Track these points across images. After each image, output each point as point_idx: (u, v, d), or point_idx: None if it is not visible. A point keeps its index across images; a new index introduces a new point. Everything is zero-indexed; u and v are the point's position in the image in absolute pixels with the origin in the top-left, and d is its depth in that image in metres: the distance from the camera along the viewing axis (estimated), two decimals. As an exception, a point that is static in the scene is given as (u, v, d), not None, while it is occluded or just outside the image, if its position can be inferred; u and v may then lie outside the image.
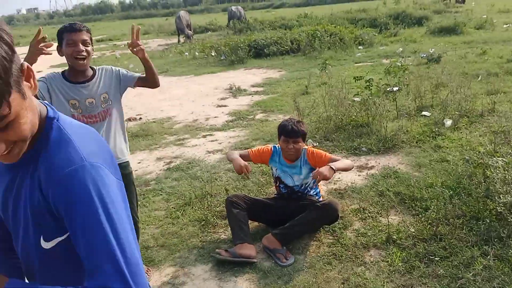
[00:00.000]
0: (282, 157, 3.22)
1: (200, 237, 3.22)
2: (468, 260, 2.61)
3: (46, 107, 1.01)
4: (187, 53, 14.08)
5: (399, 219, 3.19)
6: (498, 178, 3.06)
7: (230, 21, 21.11)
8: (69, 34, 2.34)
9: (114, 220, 0.91)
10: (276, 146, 3.30)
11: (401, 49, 10.61)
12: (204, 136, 5.69)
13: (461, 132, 4.81)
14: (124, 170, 2.49)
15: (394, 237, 2.94)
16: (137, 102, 7.96)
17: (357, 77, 5.57)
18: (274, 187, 3.48)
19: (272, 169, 3.34)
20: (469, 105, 5.38)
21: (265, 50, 12.57)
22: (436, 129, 4.87)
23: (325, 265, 2.77)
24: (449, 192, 3.29)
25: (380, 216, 3.29)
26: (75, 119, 1.78)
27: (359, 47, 12.48)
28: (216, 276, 2.77)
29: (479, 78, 7.02)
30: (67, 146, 0.95)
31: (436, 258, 2.68)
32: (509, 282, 2.40)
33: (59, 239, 0.99)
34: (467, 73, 7.41)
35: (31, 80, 0.90)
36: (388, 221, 3.09)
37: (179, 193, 3.97)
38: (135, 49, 2.46)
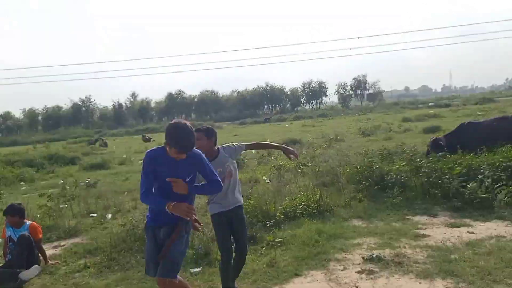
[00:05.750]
0: (11, 227, 5.34)
1: None
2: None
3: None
4: None
5: (93, 260, 5.62)
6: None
7: None
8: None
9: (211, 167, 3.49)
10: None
11: (62, 180, 13.05)
12: None
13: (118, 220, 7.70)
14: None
15: (88, 263, 5.39)
16: None
17: (42, 194, 7.76)
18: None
19: (7, 233, 5.33)
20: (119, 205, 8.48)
21: None
22: (101, 220, 7.61)
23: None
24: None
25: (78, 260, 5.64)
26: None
27: (22, 183, 14.10)
28: None
29: (125, 193, 10.29)
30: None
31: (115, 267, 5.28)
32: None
33: (192, 176, 3.39)
34: (118, 191, 10.62)
35: None
36: (86, 259, 5.49)
37: None
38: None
